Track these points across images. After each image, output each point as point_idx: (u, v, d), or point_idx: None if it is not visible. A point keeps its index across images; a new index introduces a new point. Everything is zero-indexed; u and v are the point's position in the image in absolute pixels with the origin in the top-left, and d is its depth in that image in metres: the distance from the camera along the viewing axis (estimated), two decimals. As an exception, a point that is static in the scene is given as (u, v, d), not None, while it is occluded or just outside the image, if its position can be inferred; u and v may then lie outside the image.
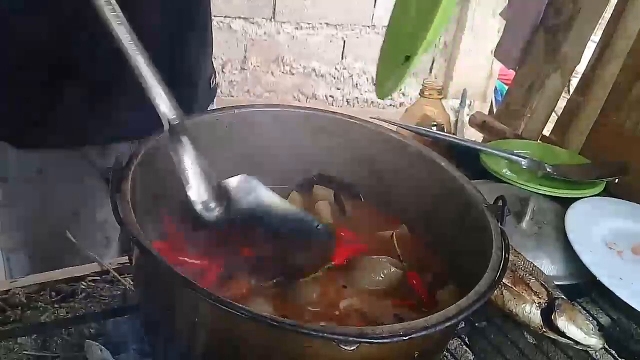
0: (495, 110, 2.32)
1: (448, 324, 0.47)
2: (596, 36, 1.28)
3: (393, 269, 0.66)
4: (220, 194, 0.63)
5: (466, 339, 0.76)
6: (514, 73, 1.40)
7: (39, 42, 0.84)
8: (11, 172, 0.96)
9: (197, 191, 0.61)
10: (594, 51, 1.25)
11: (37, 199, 0.97)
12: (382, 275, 0.66)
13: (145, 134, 0.93)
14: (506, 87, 1.51)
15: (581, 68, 1.30)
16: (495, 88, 3.42)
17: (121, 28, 0.56)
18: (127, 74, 0.57)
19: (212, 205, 0.63)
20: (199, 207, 0.61)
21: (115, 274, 0.81)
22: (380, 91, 0.72)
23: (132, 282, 0.79)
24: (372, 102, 3.78)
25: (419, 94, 1.24)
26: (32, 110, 0.90)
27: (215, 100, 1.14)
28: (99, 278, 0.81)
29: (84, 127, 0.92)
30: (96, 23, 0.56)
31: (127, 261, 0.82)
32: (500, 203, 0.63)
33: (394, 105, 3.84)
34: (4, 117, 0.92)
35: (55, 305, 0.76)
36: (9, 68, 0.88)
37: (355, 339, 0.44)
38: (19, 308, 0.74)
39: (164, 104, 0.58)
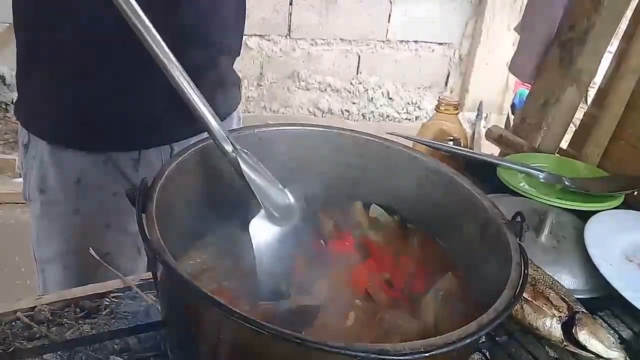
0: (511, 122, 2.32)
1: (468, 340, 0.48)
2: (613, 47, 1.28)
3: None
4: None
5: (487, 354, 0.76)
6: (530, 86, 1.41)
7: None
8: (50, 183, 0.99)
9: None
10: (610, 65, 1.25)
11: (73, 209, 1.00)
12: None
13: (179, 139, 0.98)
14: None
15: (599, 79, 1.30)
16: (517, 95, 3.40)
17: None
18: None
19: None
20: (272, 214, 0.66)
21: (138, 290, 0.82)
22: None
23: (154, 298, 0.80)
24: (387, 116, 3.80)
25: (435, 109, 1.24)
26: (80, 110, 0.94)
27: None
28: (122, 294, 0.82)
29: (122, 130, 0.96)
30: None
31: (150, 277, 0.83)
32: (518, 219, 0.63)
33: (410, 120, 3.86)
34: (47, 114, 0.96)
35: (80, 322, 0.77)
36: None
37: (376, 356, 0.44)
38: (45, 324, 0.76)
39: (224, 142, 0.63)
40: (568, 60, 1.27)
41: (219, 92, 1.06)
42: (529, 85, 1.44)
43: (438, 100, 1.24)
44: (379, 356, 0.44)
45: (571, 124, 1.34)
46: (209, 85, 1.00)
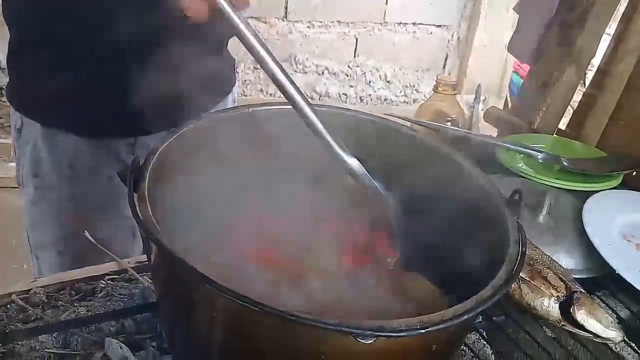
0: (510, 104, 2.31)
1: (464, 317, 0.47)
2: (611, 29, 1.27)
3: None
4: None
5: (484, 333, 0.76)
6: (529, 66, 1.40)
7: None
8: (43, 167, 0.98)
9: None
10: (609, 45, 1.24)
11: (67, 194, 0.99)
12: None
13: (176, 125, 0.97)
14: (521, 80, 1.50)
15: (597, 61, 1.29)
16: (511, 80, 3.39)
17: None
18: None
19: None
20: None
21: (134, 272, 0.82)
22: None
23: (150, 280, 0.80)
24: (385, 99, 3.78)
25: (433, 89, 1.23)
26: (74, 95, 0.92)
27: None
28: (117, 277, 0.82)
29: (118, 117, 0.94)
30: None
31: (146, 259, 0.83)
32: (516, 197, 0.63)
33: (407, 102, 3.84)
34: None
35: (75, 304, 0.77)
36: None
37: (372, 332, 0.44)
38: (40, 307, 0.76)
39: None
40: (567, 41, 1.26)
41: (212, 74, 1.04)
42: (525, 68, 1.43)
43: (436, 81, 1.23)
44: (375, 333, 0.44)
45: (569, 105, 1.33)
46: (200, 69, 0.99)
